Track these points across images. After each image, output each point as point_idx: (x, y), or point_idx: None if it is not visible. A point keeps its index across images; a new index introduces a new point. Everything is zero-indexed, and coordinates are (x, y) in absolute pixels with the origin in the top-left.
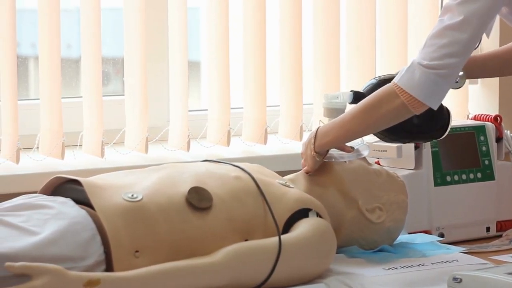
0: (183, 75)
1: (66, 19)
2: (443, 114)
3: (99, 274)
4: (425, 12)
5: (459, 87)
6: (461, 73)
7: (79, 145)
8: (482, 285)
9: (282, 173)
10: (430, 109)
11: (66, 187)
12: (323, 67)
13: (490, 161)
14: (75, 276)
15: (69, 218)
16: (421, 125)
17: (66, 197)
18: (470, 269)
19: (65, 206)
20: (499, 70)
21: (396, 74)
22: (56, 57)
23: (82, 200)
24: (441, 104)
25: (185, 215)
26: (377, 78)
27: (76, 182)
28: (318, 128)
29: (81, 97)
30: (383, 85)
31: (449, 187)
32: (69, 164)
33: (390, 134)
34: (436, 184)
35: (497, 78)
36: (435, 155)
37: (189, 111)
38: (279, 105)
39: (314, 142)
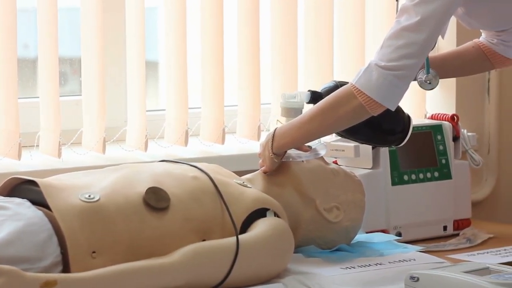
0: (140, 75)
1: (23, 19)
2: (404, 120)
3: (56, 275)
4: (382, 13)
5: (432, 88)
6: (434, 73)
7: (36, 145)
8: (439, 284)
9: (240, 173)
10: (391, 115)
11: (22, 188)
12: (281, 67)
13: (447, 160)
14: (32, 277)
15: (25, 219)
16: (380, 129)
17: (23, 198)
18: (427, 268)
19: (21, 207)
20: (458, 70)
21: None
22: (13, 57)
23: (39, 201)
24: (402, 111)
25: (142, 215)
26: (334, 81)
27: (33, 183)
28: (275, 129)
29: (38, 97)
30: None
31: (406, 186)
32: (26, 164)
33: (349, 135)
34: (394, 183)
35: (454, 78)
36: (392, 155)
37: (147, 111)
38: (237, 105)
39: (272, 144)
